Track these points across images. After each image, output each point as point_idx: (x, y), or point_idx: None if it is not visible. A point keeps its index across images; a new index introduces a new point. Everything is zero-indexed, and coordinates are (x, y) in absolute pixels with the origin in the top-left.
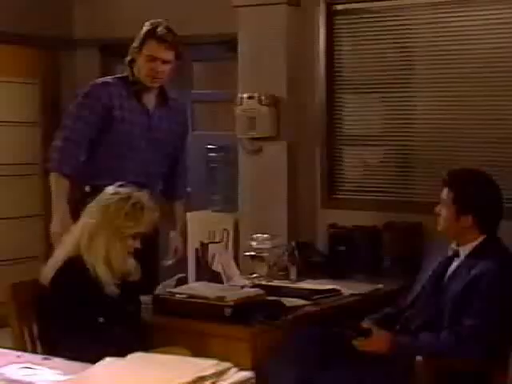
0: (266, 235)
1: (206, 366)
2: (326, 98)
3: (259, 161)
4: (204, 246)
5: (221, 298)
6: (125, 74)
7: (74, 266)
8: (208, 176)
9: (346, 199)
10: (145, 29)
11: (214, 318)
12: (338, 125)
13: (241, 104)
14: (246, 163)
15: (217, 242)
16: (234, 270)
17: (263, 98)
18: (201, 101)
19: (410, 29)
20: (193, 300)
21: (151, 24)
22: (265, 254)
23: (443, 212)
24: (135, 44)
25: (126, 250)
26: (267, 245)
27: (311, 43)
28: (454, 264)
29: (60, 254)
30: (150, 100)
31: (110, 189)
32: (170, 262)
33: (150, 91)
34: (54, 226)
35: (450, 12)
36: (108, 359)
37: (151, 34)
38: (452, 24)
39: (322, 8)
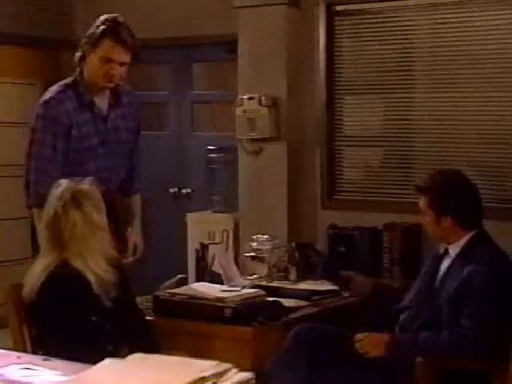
0: (266, 236)
1: (207, 366)
2: (326, 99)
3: (259, 162)
4: (204, 247)
5: (221, 299)
6: (72, 79)
7: (64, 272)
8: (208, 177)
9: (346, 200)
10: (102, 27)
11: (214, 319)
12: (338, 126)
13: (241, 105)
14: (246, 164)
15: (217, 243)
16: (234, 270)
17: (263, 98)
18: (201, 101)
19: (411, 30)
20: (193, 301)
21: (108, 21)
22: (265, 255)
23: (425, 219)
24: (89, 40)
25: (109, 233)
26: (267, 246)
27: (311, 44)
28: (445, 262)
29: (42, 267)
30: (103, 103)
31: (56, 208)
32: (130, 259)
33: (102, 93)
34: None
35: (450, 13)
36: (108, 360)
37: (109, 32)
38: (452, 25)
39: (322, 9)
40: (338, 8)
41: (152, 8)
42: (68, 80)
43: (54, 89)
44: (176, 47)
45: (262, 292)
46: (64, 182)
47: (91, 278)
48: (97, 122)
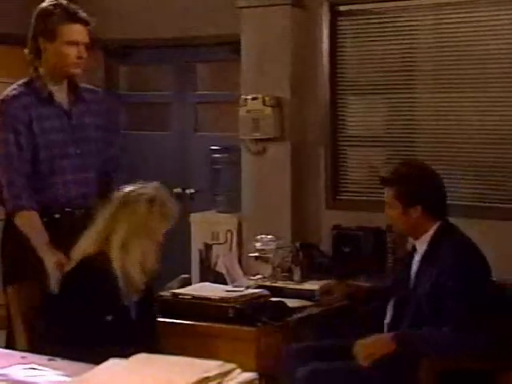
0: (269, 236)
1: (211, 366)
2: (329, 99)
3: (263, 162)
4: (208, 247)
5: (225, 299)
6: (27, 78)
7: (94, 264)
8: (212, 177)
9: (350, 200)
10: (55, 10)
11: (218, 319)
12: (342, 126)
13: (245, 105)
14: (250, 164)
15: (220, 243)
16: (238, 271)
17: (267, 99)
18: (205, 102)
19: (414, 30)
20: (197, 301)
21: (57, 6)
22: (269, 255)
23: (390, 212)
24: (42, 33)
25: (158, 249)
26: (271, 246)
27: (315, 44)
28: (415, 262)
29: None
30: (62, 96)
31: (127, 191)
32: None
33: (59, 87)
34: (53, 258)
35: (453, 13)
36: (112, 360)
37: (65, 14)
38: (456, 25)
39: (326, 9)
40: (342, 8)
41: (154, 9)
42: (23, 80)
43: (9, 88)
44: (179, 47)
45: (266, 292)
46: (153, 184)
47: (119, 274)
48: (60, 116)
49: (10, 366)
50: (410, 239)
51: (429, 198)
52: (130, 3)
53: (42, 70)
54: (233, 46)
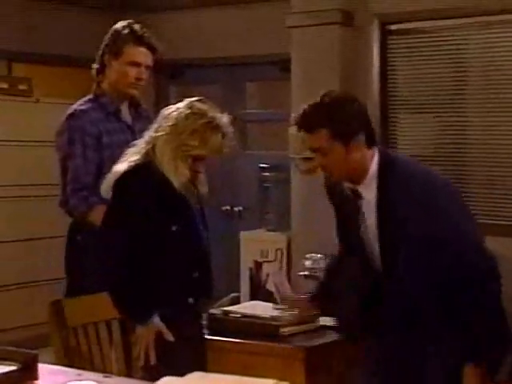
0: (319, 255)
1: None
2: (380, 118)
3: (312, 180)
4: (257, 265)
5: (275, 318)
6: (91, 95)
7: (146, 170)
8: (261, 195)
9: None
10: (123, 32)
11: (269, 338)
12: (392, 144)
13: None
14: (299, 183)
15: (270, 261)
16: (287, 289)
17: None
18: (254, 120)
19: (465, 48)
20: (247, 319)
21: (127, 27)
22: (318, 274)
23: (328, 159)
24: (110, 49)
25: (187, 170)
26: (321, 264)
27: (365, 63)
28: (368, 210)
29: (122, 165)
30: (126, 113)
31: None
32: None
33: (123, 103)
34: None
35: (505, 32)
36: (166, 378)
37: (132, 36)
38: (507, 44)
39: (376, 28)
40: (392, 27)
41: (205, 27)
42: (88, 96)
43: (76, 103)
44: (229, 66)
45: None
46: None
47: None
48: (125, 131)
49: (67, 382)
50: (347, 185)
51: (367, 122)
52: (182, 23)
53: (104, 86)
54: (282, 64)
